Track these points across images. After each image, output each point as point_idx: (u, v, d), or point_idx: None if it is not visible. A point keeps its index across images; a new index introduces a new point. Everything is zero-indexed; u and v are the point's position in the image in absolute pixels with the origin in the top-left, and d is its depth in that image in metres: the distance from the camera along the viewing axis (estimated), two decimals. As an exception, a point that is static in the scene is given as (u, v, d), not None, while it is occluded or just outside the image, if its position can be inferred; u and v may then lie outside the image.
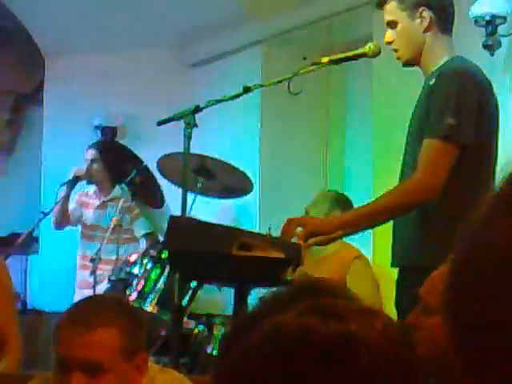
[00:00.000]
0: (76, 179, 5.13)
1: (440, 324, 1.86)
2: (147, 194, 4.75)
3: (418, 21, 2.80)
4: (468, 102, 2.67)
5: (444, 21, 2.83)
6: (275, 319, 0.91)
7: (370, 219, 2.78)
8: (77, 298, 4.80)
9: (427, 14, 2.79)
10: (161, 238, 5.05)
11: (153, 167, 4.65)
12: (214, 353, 3.52)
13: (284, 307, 0.94)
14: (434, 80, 2.72)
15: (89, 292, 4.41)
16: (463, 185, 2.68)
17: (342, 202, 4.50)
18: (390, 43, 2.85)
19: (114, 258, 4.56)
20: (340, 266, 4.35)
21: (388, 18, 2.85)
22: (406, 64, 2.86)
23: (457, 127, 2.63)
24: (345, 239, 4.01)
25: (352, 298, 1.09)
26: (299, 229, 2.64)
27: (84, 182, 5.21)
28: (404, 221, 2.77)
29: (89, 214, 5.27)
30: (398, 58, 2.85)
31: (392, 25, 2.84)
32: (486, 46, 3.69)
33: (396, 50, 2.84)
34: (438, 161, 2.66)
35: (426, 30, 2.80)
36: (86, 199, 5.33)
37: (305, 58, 4.89)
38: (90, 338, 1.87)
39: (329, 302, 0.96)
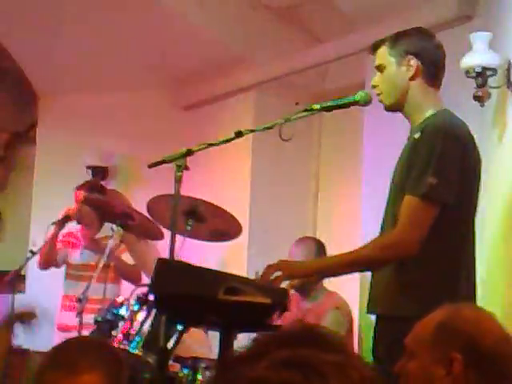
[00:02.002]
0: (66, 219, 5.10)
1: (416, 367, 1.89)
2: (142, 231, 4.73)
3: (404, 68, 2.82)
4: (450, 160, 2.67)
5: (432, 74, 2.84)
6: (255, 372, 0.90)
7: (346, 268, 2.81)
8: (56, 340, 4.75)
9: (415, 63, 2.82)
10: (144, 274, 5.03)
11: (143, 208, 4.63)
12: (199, 397, 3.48)
13: (260, 357, 0.93)
14: (418, 134, 2.72)
15: (69, 335, 4.36)
16: (442, 240, 2.68)
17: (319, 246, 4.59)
18: (374, 87, 2.88)
19: (100, 297, 4.52)
20: (316, 316, 4.36)
21: (377, 61, 2.88)
22: (389, 109, 2.89)
23: (437, 186, 2.63)
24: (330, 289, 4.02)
25: (335, 346, 1.08)
26: (277, 273, 2.66)
27: (74, 222, 5.19)
28: (383, 271, 2.77)
29: (75, 254, 5.24)
30: (381, 101, 2.87)
31: (380, 69, 2.87)
32: (476, 98, 3.71)
33: (379, 94, 2.87)
34: (417, 218, 2.66)
35: (412, 79, 2.82)
36: (72, 239, 5.31)
37: (297, 104, 4.93)
38: (73, 381, 1.85)
39: (306, 353, 0.95)
